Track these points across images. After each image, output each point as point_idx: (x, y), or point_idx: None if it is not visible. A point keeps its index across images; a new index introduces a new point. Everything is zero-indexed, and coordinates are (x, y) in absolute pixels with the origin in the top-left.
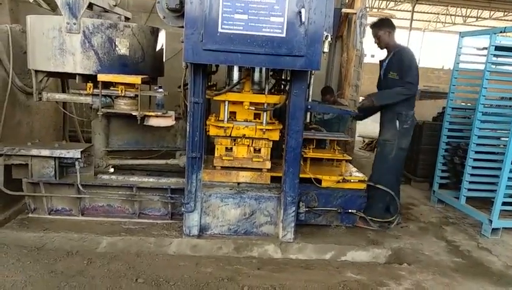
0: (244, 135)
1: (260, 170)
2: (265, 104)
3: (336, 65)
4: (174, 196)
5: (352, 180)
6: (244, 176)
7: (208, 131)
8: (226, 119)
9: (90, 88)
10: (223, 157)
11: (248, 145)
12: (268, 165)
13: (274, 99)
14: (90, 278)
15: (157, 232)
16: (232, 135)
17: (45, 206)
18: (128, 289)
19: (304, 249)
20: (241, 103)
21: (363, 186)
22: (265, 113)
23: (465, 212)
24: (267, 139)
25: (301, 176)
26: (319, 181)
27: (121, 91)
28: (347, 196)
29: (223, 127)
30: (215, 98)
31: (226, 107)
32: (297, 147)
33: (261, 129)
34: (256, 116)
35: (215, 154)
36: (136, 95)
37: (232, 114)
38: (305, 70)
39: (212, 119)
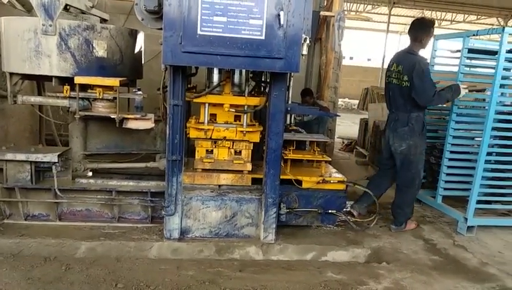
0: (225, 137)
1: (241, 172)
2: (246, 106)
3: (315, 67)
4: (154, 199)
5: (331, 181)
6: (225, 178)
7: (188, 133)
8: (206, 122)
9: (67, 91)
10: (204, 160)
11: (229, 148)
12: (249, 167)
13: (254, 101)
14: (68, 284)
15: (138, 236)
16: (212, 137)
17: (21, 212)
18: None
19: (285, 250)
20: (222, 105)
21: (342, 186)
22: (245, 115)
23: (441, 211)
24: (248, 141)
25: (282, 177)
26: (300, 182)
27: (99, 94)
28: (327, 196)
29: (203, 129)
30: (195, 100)
31: (206, 109)
32: (278, 149)
33: (242, 131)
34: (237, 118)
35: (196, 157)
36: (115, 98)
37: (213, 116)
38: (284, 73)
39: (192, 122)
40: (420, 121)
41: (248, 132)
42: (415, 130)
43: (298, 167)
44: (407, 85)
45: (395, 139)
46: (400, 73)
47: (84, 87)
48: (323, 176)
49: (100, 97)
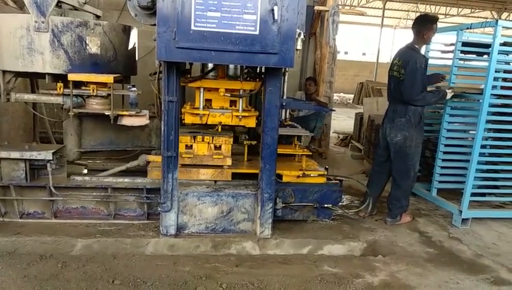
0: (221, 122)
1: (221, 167)
2: (241, 91)
3: (310, 62)
4: (150, 195)
5: (312, 175)
6: (204, 174)
7: (184, 119)
8: (201, 107)
9: (60, 88)
10: (183, 155)
11: (208, 143)
12: (229, 162)
13: (249, 85)
14: (65, 282)
15: (134, 233)
16: (208, 123)
17: (16, 210)
18: None
19: (282, 245)
20: (217, 90)
21: (323, 180)
22: (241, 100)
23: (436, 204)
24: (228, 136)
25: None
26: (281, 176)
27: (93, 90)
28: (323, 191)
29: (198, 114)
30: (190, 84)
31: (202, 94)
32: (273, 144)
33: (237, 116)
34: (232, 104)
35: None
36: (109, 94)
37: (208, 102)
38: (279, 68)
39: (187, 107)
40: (417, 114)
41: (244, 116)
42: (411, 122)
43: (280, 161)
44: (403, 78)
45: (392, 130)
46: (399, 67)
47: (77, 84)
48: (304, 169)
49: (94, 94)
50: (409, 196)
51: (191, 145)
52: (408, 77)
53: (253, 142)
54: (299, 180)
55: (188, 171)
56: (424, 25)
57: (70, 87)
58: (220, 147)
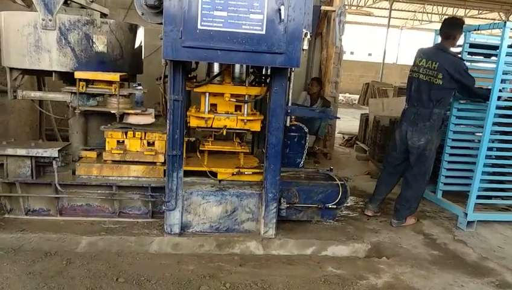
0: (226, 126)
1: (154, 163)
2: (246, 96)
3: (316, 62)
4: (155, 194)
5: (246, 173)
6: (135, 170)
7: (189, 122)
8: (206, 111)
9: (82, 86)
10: (113, 151)
11: (141, 138)
12: (161, 158)
13: (255, 91)
14: (69, 279)
15: (138, 231)
16: (213, 126)
17: (22, 207)
18: (108, 288)
19: (286, 245)
20: (222, 94)
21: (259, 178)
22: (246, 104)
23: (441, 206)
24: (161, 131)
25: (198, 169)
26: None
27: (114, 90)
28: (327, 191)
29: (203, 118)
30: (196, 89)
31: (207, 98)
32: (278, 144)
33: (242, 120)
34: (237, 108)
35: (106, 148)
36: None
37: (213, 107)
38: (285, 68)
39: (192, 111)
40: (441, 117)
41: (249, 120)
42: (434, 126)
43: (222, 159)
44: (440, 83)
45: (415, 134)
46: (432, 69)
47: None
48: (240, 167)
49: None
50: (420, 199)
51: (123, 141)
52: (465, 80)
53: (192, 139)
54: (234, 178)
55: (118, 167)
56: (455, 28)
57: (77, 85)
58: (154, 143)
